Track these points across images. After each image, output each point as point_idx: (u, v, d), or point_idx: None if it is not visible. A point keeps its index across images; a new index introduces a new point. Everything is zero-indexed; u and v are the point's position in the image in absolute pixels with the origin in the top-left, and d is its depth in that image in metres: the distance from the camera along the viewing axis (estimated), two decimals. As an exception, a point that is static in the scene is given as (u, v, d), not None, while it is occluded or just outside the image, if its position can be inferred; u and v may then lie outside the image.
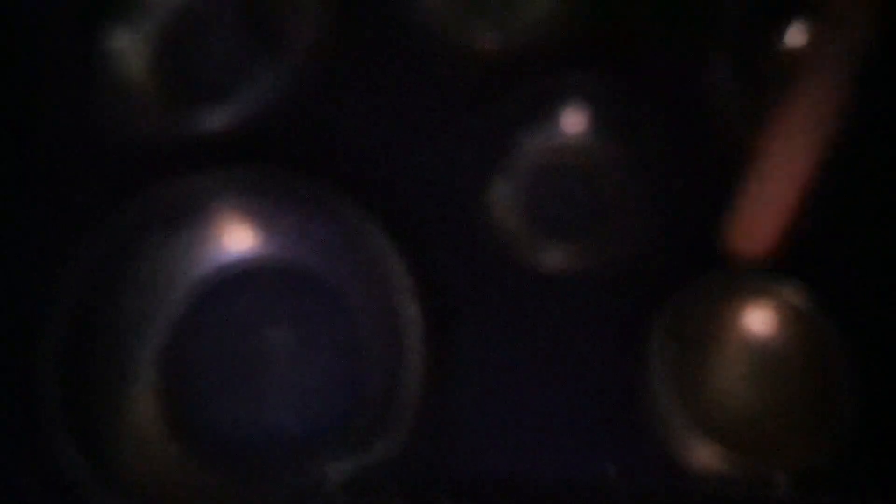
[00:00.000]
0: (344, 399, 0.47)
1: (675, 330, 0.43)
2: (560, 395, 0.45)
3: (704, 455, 0.41)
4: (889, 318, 0.45)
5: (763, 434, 0.43)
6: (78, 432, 0.43)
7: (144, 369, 0.48)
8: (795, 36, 0.52)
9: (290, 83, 0.50)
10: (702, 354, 0.45)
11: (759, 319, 0.45)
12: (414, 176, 0.51)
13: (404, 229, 0.46)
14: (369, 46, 0.55)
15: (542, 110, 0.51)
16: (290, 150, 0.51)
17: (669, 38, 0.52)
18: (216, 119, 0.49)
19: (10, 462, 0.45)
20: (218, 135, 0.50)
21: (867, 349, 0.41)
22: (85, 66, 0.53)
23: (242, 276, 0.50)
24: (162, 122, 0.52)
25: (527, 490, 0.42)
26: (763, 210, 0.36)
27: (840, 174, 0.48)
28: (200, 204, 0.49)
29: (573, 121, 0.51)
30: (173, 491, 0.45)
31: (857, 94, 0.37)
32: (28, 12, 0.57)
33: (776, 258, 0.38)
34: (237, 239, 0.50)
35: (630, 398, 0.44)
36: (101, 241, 0.46)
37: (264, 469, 0.46)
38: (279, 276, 0.50)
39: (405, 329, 0.43)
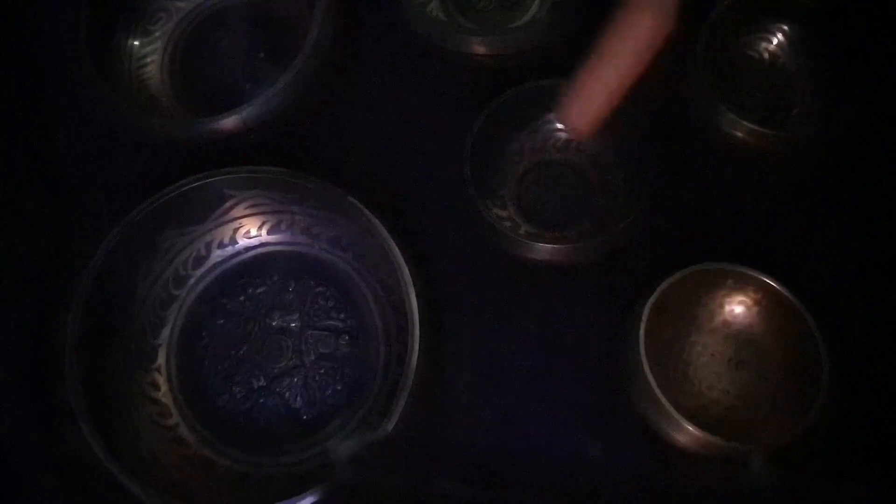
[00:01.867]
0: (351, 381, 0.49)
1: (659, 317, 0.44)
2: (549, 379, 0.47)
3: (686, 436, 0.42)
4: (859, 305, 0.47)
5: (741, 416, 0.45)
6: (97, 416, 0.45)
7: (162, 353, 0.50)
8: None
9: (298, 88, 0.52)
10: (684, 341, 0.47)
11: (738, 308, 0.47)
12: (413, 174, 0.53)
13: (405, 223, 0.48)
14: (370, 53, 0.57)
15: (533, 111, 0.52)
16: (299, 150, 0.53)
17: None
18: (230, 122, 0.50)
19: (32, 444, 0.48)
20: (232, 136, 0.51)
21: (839, 335, 0.42)
22: (107, 74, 0.54)
23: (256, 265, 0.52)
24: (179, 125, 0.54)
25: (518, 467, 0.44)
26: (590, 96, 0.39)
27: (814, 174, 0.50)
28: (215, 200, 0.51)
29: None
30: (187, 471, 0.47)
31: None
32: (47, 18, 0.59)
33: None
34: (250, 232, 0.52)
35: (615, 382, 0.46)
36: (122, 235, 0.48)
37: (274, 446, 0.48)
38: (289, 267, 0.52)
39: (406, 315, 0.44)
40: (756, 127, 0.48)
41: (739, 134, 0.49)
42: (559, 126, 0.53)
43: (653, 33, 0.37)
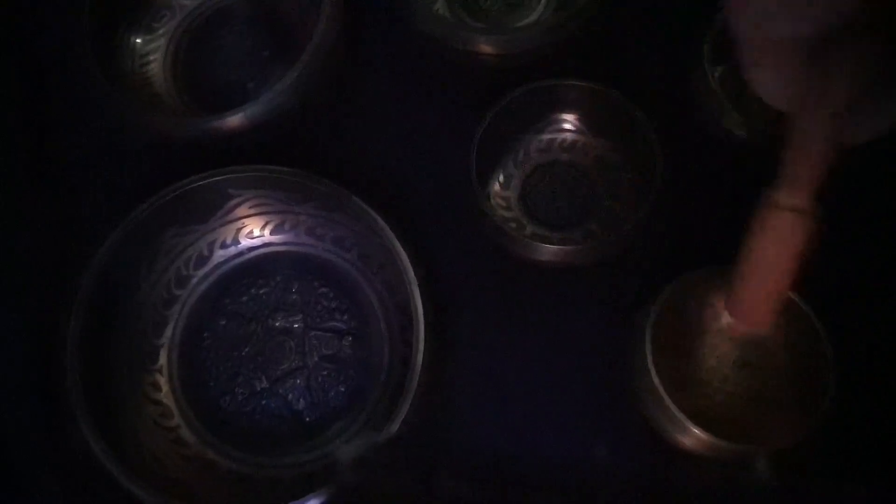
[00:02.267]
0: (354, 383, 0.49)
1: (665, 319, 0.43)
2: (554, 381, 0.47)
3: (691, 439, 0.42)
4: (865, 306, 0.46)
5: (747, 418, 0.44)
6: (99, 416, 0.44)
7: (163, 354, 0.50)
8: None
9: (302, 87, 0.51)
10: (689, 343, 0.47)
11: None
12: (418, 174, 0.53)
13: (409, 223, 0.48)
14: (375, 52, 0.56)
15: (538, 111, 0.52)
16: (303, 149, 0.53)
17: (658, 42, 0.53)
18: (235, 120, 0.50)
19: (32, 444, 0.47)
20: (236, 135, 0.51)
21: (845, 337, 0.42)
22: (110, 71, 0.54)
23: (258, 266, 0.52)
24: (183, 123, 0.54)
25: (523, 470, 0.43)
26: (756, 297, 0.40)
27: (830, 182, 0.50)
28: (219, 200, 0.51)
29: (568, 122, 0.53)
30: (189, 473, 0.47)
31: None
32: (50, 15, 0.58)
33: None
34: (254, 232, 0.52)
35: (620, 384, 0.45)
36: (124, 234, 0.48)
37: (277, 448, 0.47)
38: (292, 267, 0.52)
39: (411, 317, 0.44)
40: (762, 128, 0.48)
41: (745, 135, 0.49)
42: (565, 126, 0.53)
43: (801, 233, 0.36)
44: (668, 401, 0.42)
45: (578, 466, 0.44)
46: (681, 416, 0.42)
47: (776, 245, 0.37)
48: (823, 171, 0.34)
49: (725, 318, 0.47)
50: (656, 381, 0.42)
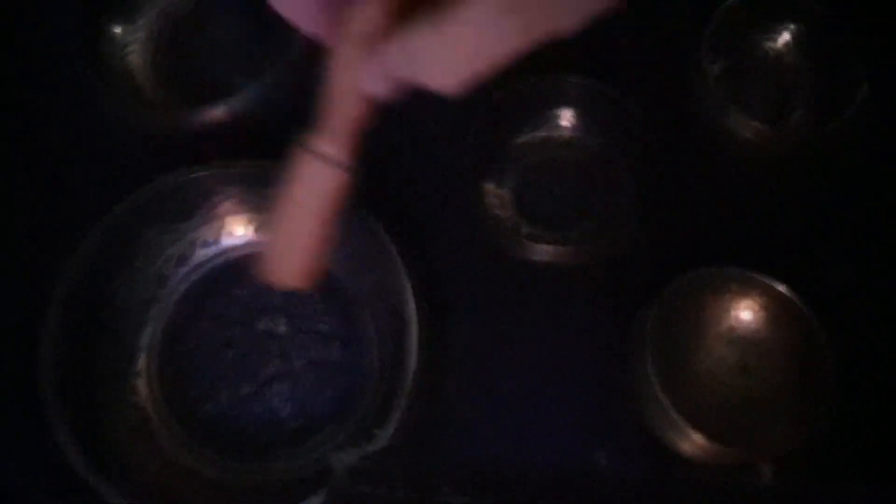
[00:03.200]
0: (342, 388, 0.47)
1: (664, 321, 0.43)
2: (551, 384, 0.46)
3: (691, 444, 0.41)
4: (866, 309, 0.46)
5: (747, 422, 0.44)
6: (76, 422, 0.42)
7: (143, 357, 0.48)
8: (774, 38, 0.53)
9: (288, 80, 0.50)
10: (689, 346, 0.46)
11: (743, 313, 0.46)
12: (410, 172, 0.51)
13: (400, 221, 0.46)
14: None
15: (533, 109, 0.51)
16: (289, 145, 0.51)
17: (656, 38, 0.53)
18: (218, 114, 0.49)
19: (11, 449, 0.46)
20: (220, 129, 0.49)
21: (846, 340, 0.42)
22: (89, 61, 0.52)
23: (241, 266, 0.50)
24: (165, 116, 0.52)
25: (521, 477, 0.42)
26: (284, 251, 0.36)
27: (821, 175, 0.50)
28: (201, 196, 0.49)
29: (564, 119, 0.52)
30: (170, 481, 0.45)
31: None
32: (33, 7, 0.56)
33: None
34: (237, 230, 0.51)
35: (619, 387, 0.45)
36: (102, 232, 0.46)
37: (261, 456, 0.46)
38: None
39: (403, 319, 0.43)
40: (762, 126, 0.48)
41: (745, 133, 0.48)
42: (561, 123, 0.51)
43: (331, 182, 0.34)
44: (667, 404, 0.41)
45: (576, 471, 0.43)
46: (681, 420, 0.41)
47: (306, 192, 0.34)
48: (358, 120, 0.31)
49: (725, 321, 0.46)
50: (656, 384, 0.41)
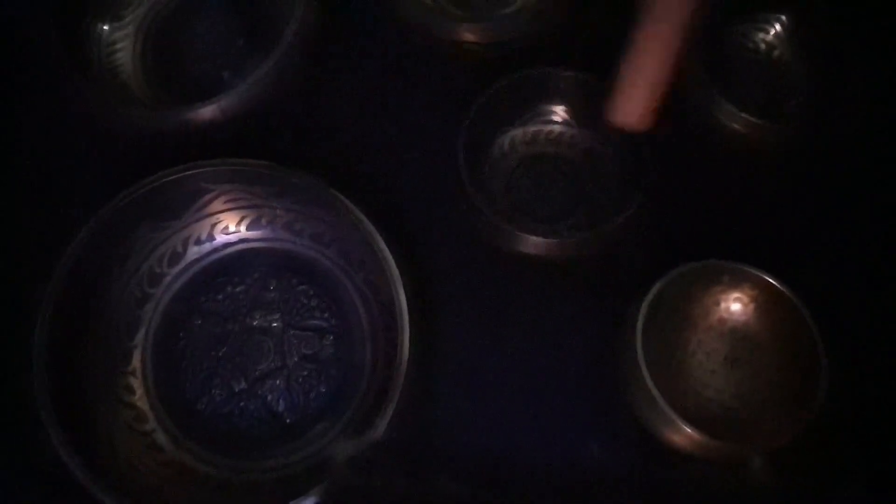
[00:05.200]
0: (336, 383, 0.47)
1: (655, 315, 0.43)
2: (543, 378, 0.46)
3: (682, 437, 0.41)
4: (857, 301, 0.46)
5: (738, 416, 0.44)
6: (69, 422, 0.43)
7: (137, 355, 0.48)
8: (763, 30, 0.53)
9: (278, 77, 0.50)
10: (680, 339, 0.46)
11: (734, 306, 0.46)
12: (400, 166, 0.51)
13: (391, 217, 0.46)
14: (355, 40, 0.55)
15: (524, 102, 0.51)
16: (280, 142, 0.51)
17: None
18: (206, 112, 0.49)
19: (5, 450, 0.46)
20: (208, 127, 0.49)
21: (837, 332, 0.42)
22: (75, 61, 0.52)
23: (233, 264, 0.50)
24: (153, 114, 0.52)
25: (511, 470, 0.43)
26: (635, 88, 0.40)
27: (811, 167, 0.50)
28: (191, 194, 0.49)
29: (555, 113, 0.52)
30: (165, 479, 0.45)
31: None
32: (17, 6, 0.56)
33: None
34: (229, 227, 0.51)
35: (610, 380, 0.45)
36: (93, 232, 0.46)
37: (256, 452, 0.46)
38: (270, 264, 0.50)
39: (394, 314, 0.43)
40: (753, 119, 0.47)
41: (736, 126, 0.48)
42: (552, 117, 0.51)
43: (687, 17, 0.37)
44: (659, 399, 0.41)
45: (568, 466, 0.43)
46: (673, 414, 0.41)
47: (661, 24, 0.38)
48: None
49: (715, 314, 0.46)
50: (648, 379, 0.41)
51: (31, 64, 0.54)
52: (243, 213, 0.50)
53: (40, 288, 0.45)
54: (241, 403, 0.47)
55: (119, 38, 0.56)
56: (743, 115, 0.47)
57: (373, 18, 0.54)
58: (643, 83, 0.40)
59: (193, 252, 0.51)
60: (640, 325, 0.42)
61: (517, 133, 0.51)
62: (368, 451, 0.41)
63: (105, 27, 0.56)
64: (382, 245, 0.44)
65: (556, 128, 0.51)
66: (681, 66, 0.39)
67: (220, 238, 0.51)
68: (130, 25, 0.56)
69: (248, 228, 0.51)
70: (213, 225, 0.51)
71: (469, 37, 0.52)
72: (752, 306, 0.45)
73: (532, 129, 0.51)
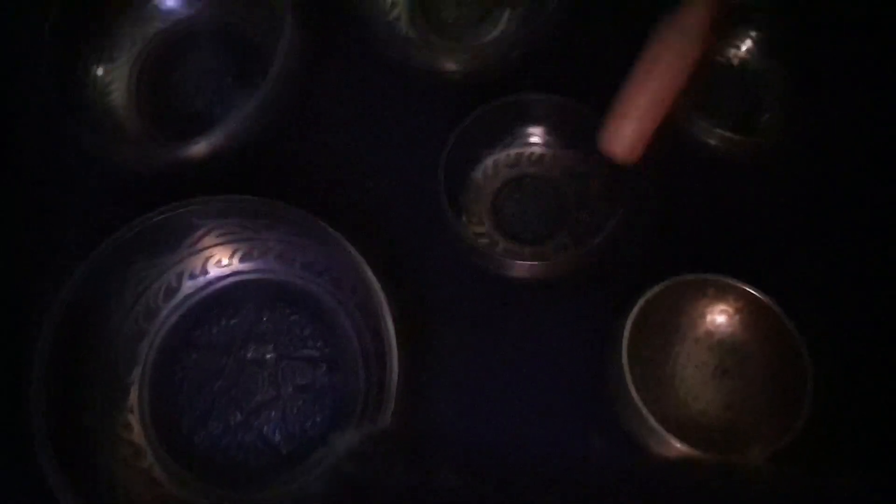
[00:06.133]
0: (331, 411, 0.48)
1: (641, 330, 0.43)
2: (533, 397, 0.46)
3: (671, 450, 0.41)
4: (840, 309, 0.46)
5: (727, 426, 0.44)
6: (68, 459, 0.43)
7: (134, 392, 0.49)
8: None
9: (265, 113, 0.51)
10: (667, 352, 0.46)
11: (720, 318, 0.46)
12: (386, 195, 0.52)
13: (380, 245, 0.46)
14: (343, 74, 0.56)
15: (505, 126, 0.52)
16: (268, 175, 0.52)
17: (622, 54, 0.53)
18: (199, 148, 0.49)
19: (3, 491, 0.46)
20: (200, 163, 0.50)
21: (821, 340, 0.42)
22: (71, 105, 0.53)
23: (226, 296, 0.51)
24: (147, 153, 0.53)
25: (503, 492, 0.42)
26: (630, 122, 0.41)
27: (788, 179, 0.50)
28: (184, 230, 0.50)
29: (535, 136, 0.52)
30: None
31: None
32: (10, 44, 0.57)
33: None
34: (222, 261, 0.51)
35: (599, 397, 0.45)
36: (89, 269, 0.46)
37: (255, 483, 0.46)
38: (262, 295, 0.51)
39: (385, 341, 0.43)
40: (729, 134, 0.48)
41: (712, 141, 0.49)
42: (532, 140, 0.52)
43: (687, 55, 0.38)
44: (647, 414, 0.41)
45: (559, 483, 0.43)
46: (661, 429, 0.41)
47: (665, 62, 0.39)
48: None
49: (701, 327, 0.47)
50: (634, 393, 0.42)
51: (27, 109, 0.56)
52: (235, 246, 0.51)
53: (37, 327, 0.45)
54: (238, 436, 0.48)
55: (113, 80, 0.57)
56: (717, 130, 0.48)
57: (357, 52, 0.55)
58: (637, 117, 0.41)
59: (188, 286, 0.51)
60: (625, 340, 0.43)
61: (500, 157, 0.52)
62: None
63: (99, 71, 0.57)
64: (369, 272, 0.44)
65: (538, 150, 0.52)
66: (677, 103, 0.40)
67: (214, 271, 0.52)
68: (124, 67, 0.57)
69: (240, 261, 0.52)
70: (207, 259, 0.51)
71: (451, 66, 0.53)
72: (737, 318, 0.46)
73: (514, 151, 0.52)
